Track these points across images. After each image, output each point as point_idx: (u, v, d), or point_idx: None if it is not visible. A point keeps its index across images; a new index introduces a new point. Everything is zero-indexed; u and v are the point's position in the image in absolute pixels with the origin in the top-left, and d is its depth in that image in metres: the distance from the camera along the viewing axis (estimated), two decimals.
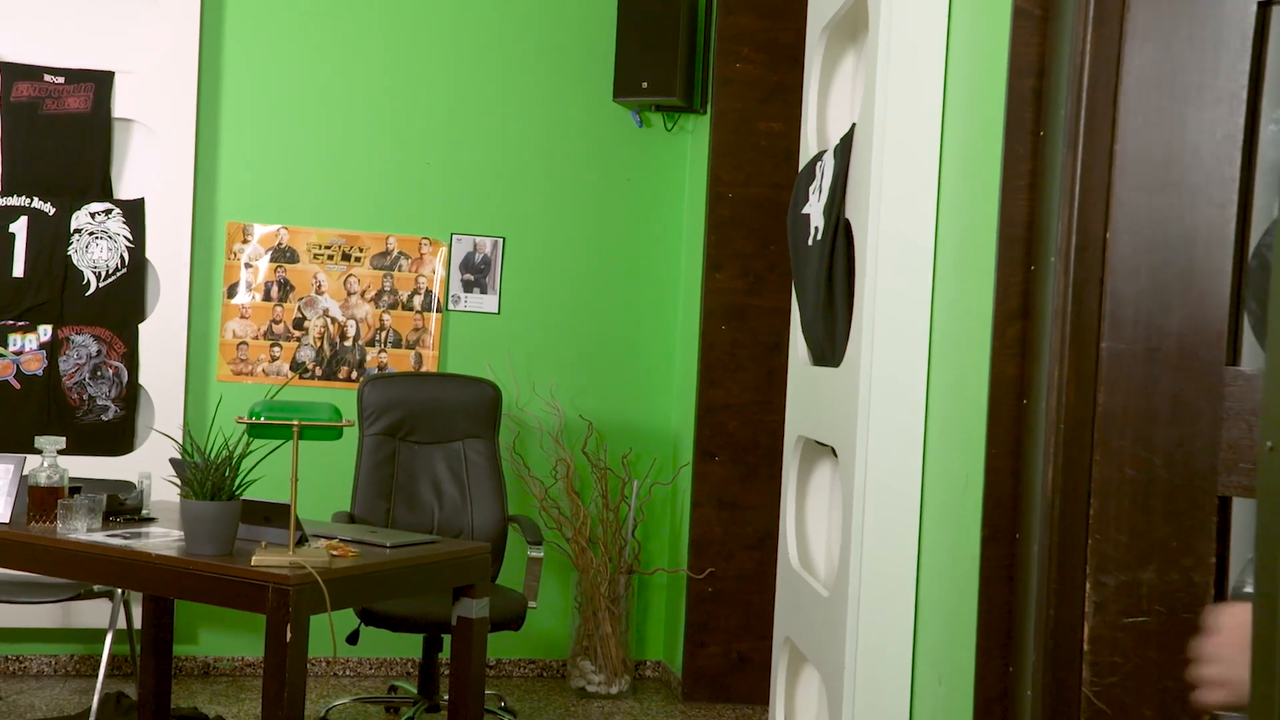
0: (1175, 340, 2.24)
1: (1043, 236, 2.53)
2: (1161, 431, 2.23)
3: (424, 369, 5.82)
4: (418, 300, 5.83)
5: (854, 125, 3.44)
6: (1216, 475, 2.15)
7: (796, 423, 4.00)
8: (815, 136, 4.01)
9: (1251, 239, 2.17)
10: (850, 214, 3.40)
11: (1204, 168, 2.20)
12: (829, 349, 3.57)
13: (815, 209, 3.66)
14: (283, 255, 5.74)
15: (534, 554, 4.94)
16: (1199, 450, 2.18)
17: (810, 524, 4.06)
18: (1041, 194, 2.54)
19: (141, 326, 5.58)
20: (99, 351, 5.54)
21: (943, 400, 3.05)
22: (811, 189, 3.74)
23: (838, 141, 3.56)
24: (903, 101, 3.13)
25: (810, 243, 3.68)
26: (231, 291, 5.72)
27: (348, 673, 5.85)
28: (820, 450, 3.99)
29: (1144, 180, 2.28)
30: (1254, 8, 2.17)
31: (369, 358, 5.81)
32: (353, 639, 4.77)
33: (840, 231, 3.45)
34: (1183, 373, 2.21)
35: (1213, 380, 2.17)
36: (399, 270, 5.83)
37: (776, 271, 5.51)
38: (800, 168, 4.04)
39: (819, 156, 3.76)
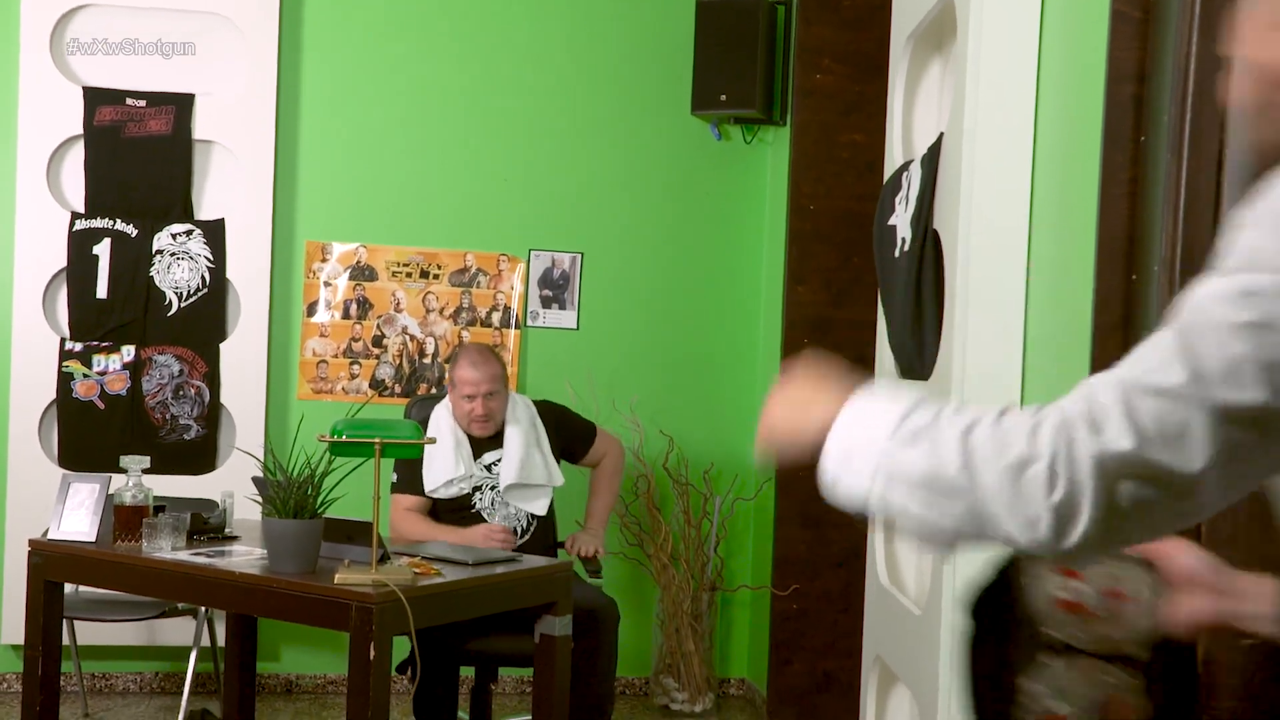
0: None
1: (1145, 245, 2.45)
2: None
3: None
4: (496, 317, 5.81)
5: (941, 134, 3.38)
6: None
7: None
8: (900, 147, 3.94)
9: None
10: (939, 224, 3.33)
11: None
12: (918, 361, 3.51)
13: (902, 220, 3.60)
14: (361, 273, 5.75)
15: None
16: None
17: (898, 540, 3.98)
18: (1143, 201, 2.47)
19: (222, 346, 5.61)
20: (181, 371, 5.57)
21: None
22: (898, 200, 3.68)
23: (925, 151, 3.50)
24: (993, 109, 3.06)
25: (897, 254, 3.62)
26: (311, 310, 5.73)
27: None
28: None
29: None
30: None
31: (448, 375, 5.79)
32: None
33: (929, 242, 3.38)
34: None
35: None
36: (477, 287, 5.82)
37: (860, 284, 5.41)
38: (885, 179, 3.97)
39: (905, 167, 3.70)
